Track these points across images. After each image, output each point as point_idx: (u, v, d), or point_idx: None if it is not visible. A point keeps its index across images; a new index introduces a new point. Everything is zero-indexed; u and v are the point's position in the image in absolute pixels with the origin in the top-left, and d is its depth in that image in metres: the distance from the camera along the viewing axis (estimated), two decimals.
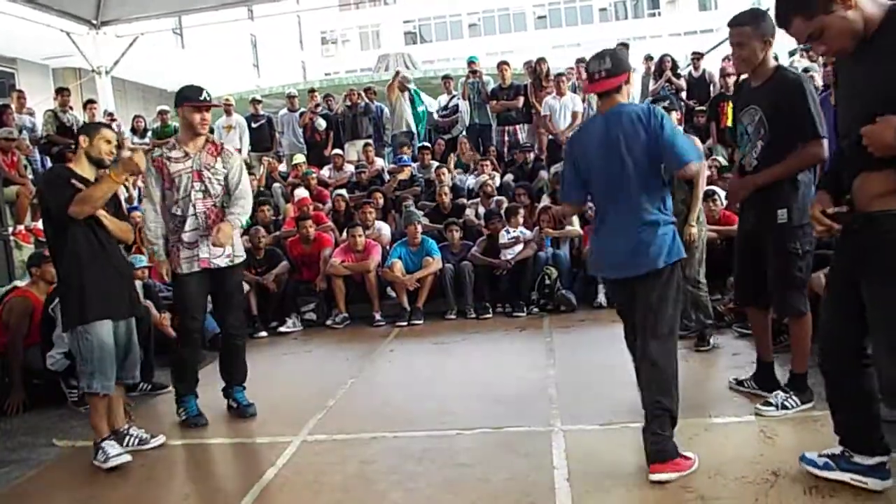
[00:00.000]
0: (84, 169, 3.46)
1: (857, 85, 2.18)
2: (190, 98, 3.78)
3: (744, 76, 3.39)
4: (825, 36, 2.09)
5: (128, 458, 3.31)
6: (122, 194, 8.37)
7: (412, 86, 9.93)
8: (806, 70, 7.39)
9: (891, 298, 2.12)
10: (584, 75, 9.00)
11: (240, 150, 9.46)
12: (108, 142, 3.48)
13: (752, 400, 3.47)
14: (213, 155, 3.88)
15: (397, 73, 10.15)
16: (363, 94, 9.97)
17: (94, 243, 3.37)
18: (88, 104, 9.90)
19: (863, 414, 2.39)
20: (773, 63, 3.16)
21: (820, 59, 5.83)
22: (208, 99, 3.85)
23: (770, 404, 3.28)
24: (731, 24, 3.12)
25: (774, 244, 3.19)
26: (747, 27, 3.05)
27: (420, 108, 9.89)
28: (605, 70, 2.74)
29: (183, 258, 3.79)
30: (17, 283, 5.40)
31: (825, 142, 3.02)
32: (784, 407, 3.25)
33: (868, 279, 2.20)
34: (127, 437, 3.54)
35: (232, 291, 3.99)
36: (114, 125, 9.92)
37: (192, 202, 3.79)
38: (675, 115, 5.08)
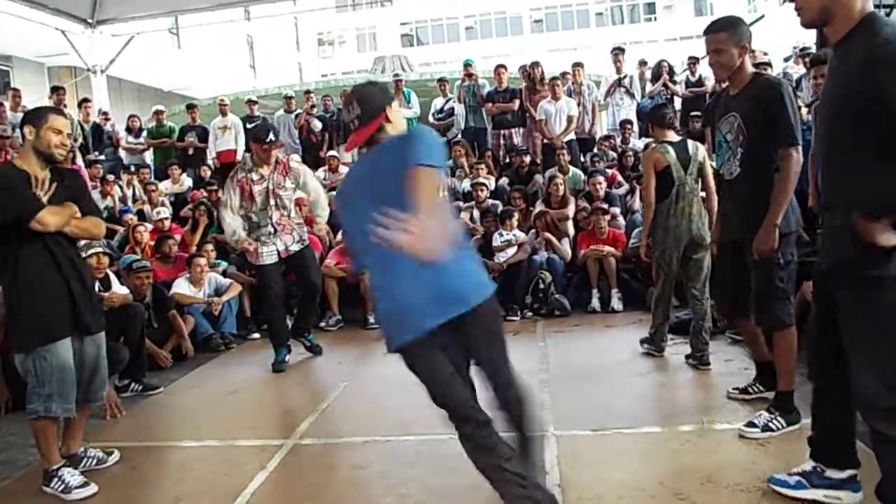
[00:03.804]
0: (31, 165, 2.90)
1: (828, 85, 2.21)
2: (258, 140, 4.85)
3: (724, 84, 3.36)
4: None
5: (94, 488, 3.02)
6: (117, 193, 8.35)
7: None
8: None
9: (867, 314, 2.08)
10: (579, 79, 9.16)
11: (235, 151, 9.44)
12: (59, 132, 2.91)
13: (745, 406, 3.46)
14: (283, 174, 4.88)
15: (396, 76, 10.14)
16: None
17: (49, 252, 2.91)
18: (83, 103, 9.88)
19: (843, 427, 2.37)
20: (751, 69, 3.14)
21: (811, 72, 5.85)
22: (273, 140, 4.86)
23: (754, 425, 3.17)
24: (707, 32, 3.13)
25: None
26: (723, 33, 3.07)
27: (413, 110, 9.85)
28: (356, 118, 2.26)
29: (265, 252, 4.89)
30: None
31: (800, 148, 2.98)
32: (768, 429, 3.13)
33: (842, 291, 2.17)
34: (84, 460, 3.27)
35: (309, 263, 5.17)
36: (108, 123, 9.96)
37: (270, 214, 4.86)
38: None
